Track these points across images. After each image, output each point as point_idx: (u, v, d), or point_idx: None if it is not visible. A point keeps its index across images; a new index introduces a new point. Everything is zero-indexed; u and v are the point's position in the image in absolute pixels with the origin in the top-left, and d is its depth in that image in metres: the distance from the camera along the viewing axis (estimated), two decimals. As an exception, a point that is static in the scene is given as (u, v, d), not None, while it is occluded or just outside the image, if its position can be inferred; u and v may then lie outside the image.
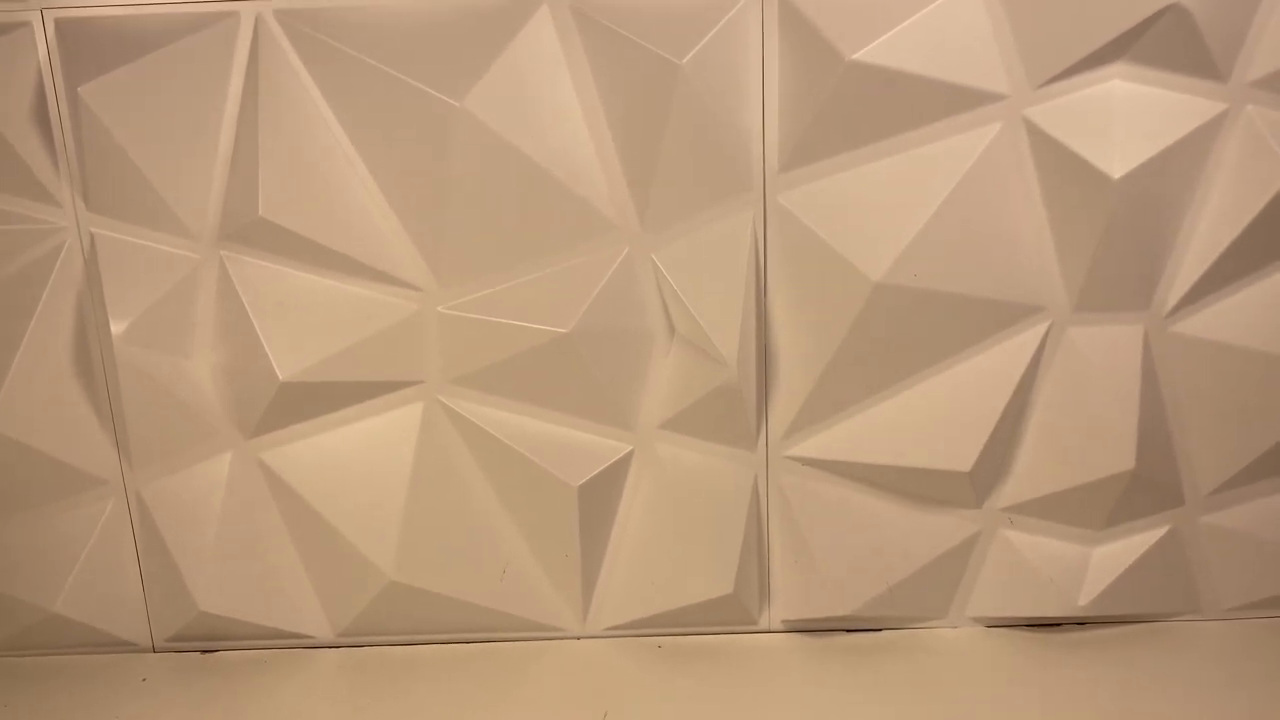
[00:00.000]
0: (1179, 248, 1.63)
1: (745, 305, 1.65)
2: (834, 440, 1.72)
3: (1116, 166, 1.56)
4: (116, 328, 1.68)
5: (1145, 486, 1.71)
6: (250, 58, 1.59)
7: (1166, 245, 1.63)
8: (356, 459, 1.74)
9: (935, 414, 1.68)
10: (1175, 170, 1.59)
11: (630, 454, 1.76)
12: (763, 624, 1.82)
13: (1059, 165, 1.58)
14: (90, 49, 1.59)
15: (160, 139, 1.62)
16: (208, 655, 1.84)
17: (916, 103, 1.57)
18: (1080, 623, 1.79)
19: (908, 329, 1.65)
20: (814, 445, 1.73)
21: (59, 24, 1.58)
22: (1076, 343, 1.66)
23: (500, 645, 1.82)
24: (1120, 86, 1.57)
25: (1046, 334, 1.66)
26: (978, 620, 1.81)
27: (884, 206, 1.60)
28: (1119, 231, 1.59)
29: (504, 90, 1.58)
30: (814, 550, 1.76)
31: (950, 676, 1.68)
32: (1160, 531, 1.74)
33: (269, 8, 1.57)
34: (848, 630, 1.81)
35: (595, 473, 1.73)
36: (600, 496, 1.75)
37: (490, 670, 1.75)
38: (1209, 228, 1.62)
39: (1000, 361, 1.66)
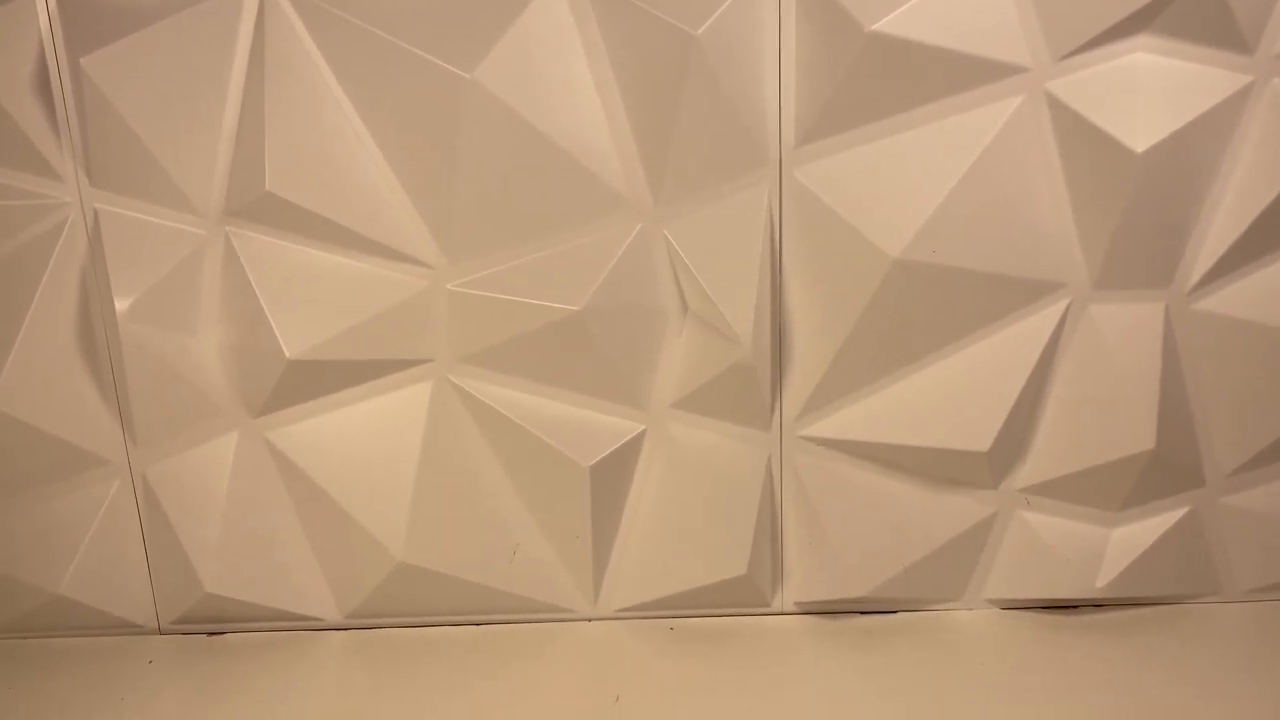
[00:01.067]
0: (1202, 223, 1.60)
1: (760, 282, 1.62)
2: (849, 420, 1.69)
3: (1140, 140, 1.53)
4: (121, 305, 1.65)
5: (1165, 467, 1.68)
6: (256, 29, 1.56)
7: (1189, 221, 1.60)
8: (365, 439, 1.72)
9: (953, 393, 1.65)
10: (1199, 144, 1.56)
11: (642, 434, 1.73)
12: (776, 606, 1.80)
13: (1081, 139, 1.55)
14: (92, 20, 1.56)
15: (164, 112, 1.59)
16: (214, 637, 1.82)
17: (936, 75, 1.54)
18: (1098, 605, 1.77)
19: (925, 306, 1.62)
20: (829, 425, 1.70)
21: (60, -6, 1.55)
22: (1097, 321, 1.63)
23: (511, 627, 1.80)
24: (1144, 59, 1.53)
25: (1066, 312, 1.63)
26: (994, 602, 1.79)
27: (902, 181, 1.58)
28: (1141, 207, 1.57)
29: (515, 62, 1.55)
30: (828, 531, 1.73)
31: (966, 659, 1.67)
32: (1180, 512, 1.72)
33: (275, -23, 1.54)
34: (862, 612, 1.79)
35: (607, 453, 1.71)
36: (612, 477, 1.73)
37: (501, 653, 1.73)
38: (1233, 203, 1.59)
39: (1019, 340, 1.64)
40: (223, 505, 1.74)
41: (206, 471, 1.74)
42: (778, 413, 1.71)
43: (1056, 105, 1.55)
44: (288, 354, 1.65)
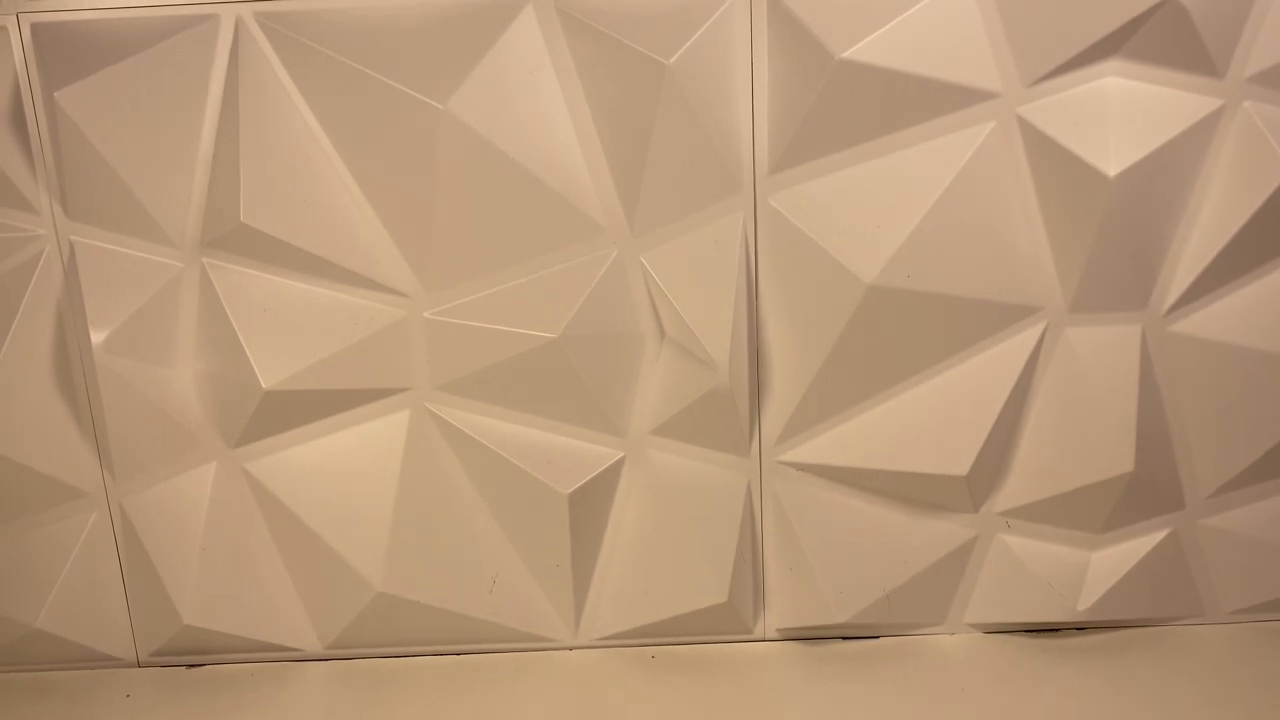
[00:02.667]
0: (1176, 246, 1.61)
1: (736, 308, 1.62)
2: (828, 445, 1.69)
3: (1112, 164, 1.53)
4: (97, 337, 1.65)
5: (1145, 489, 1.68)
6: (230, 61, 1.57)
7: (1164, 243, 1.60)
8: (343, 468, 1.71)
9: (931, 417, 1.65)
10: (1172, 168, 1.56)
11: (621, 460, 1.73)
12: (758, 633, 1.79)
13: (1054, 164, 1.55)
14: (67, 53, 1.56)
15: (140, 145, 1.59)
16: (193, 669, 1.81)
17: (908, 101, 1.54)
18: (1080, 628, 1.77)
19: (902, 331, 1.62)
20: (808, 450, 1.70)
21: (35, 28, 1.55)
22: (1073, 343, 1.63)
23: (491, 656, 1.79)
24: (1115, 83, 1.54)
25: (1043, 335, 1.63)
26: (976, 626, 1.78)
27: (876, 207, 1.58)
28: (1115, 230, 1.57)
29: (488, 92, 1.56)
30: (809, 557, 1.73)
31: (949, 684, 1.66)
32: (1160, 535, 1.72)
33: (249, 10, 1.55)
34: (844, 638, 1.78)
35: (586, 480, 1.70)
36: (591, 504, 1.72)
37: (481, 682, 1.72)
38: (1207, 225, 1.59)
39: (996, 363, 1.64)
40: (201, 537, 1.74)
41: (184, 503, 1.73)
42: (756, 438, 1.71)
43: (1029, 130, 1.55)
44: (264, 384, 1.64)
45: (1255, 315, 1.63)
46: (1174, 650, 1.72)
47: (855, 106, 1.55)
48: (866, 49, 1.51)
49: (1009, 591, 1.74)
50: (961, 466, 1.65)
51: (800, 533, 1.72)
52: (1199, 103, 1.55)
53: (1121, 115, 1.54)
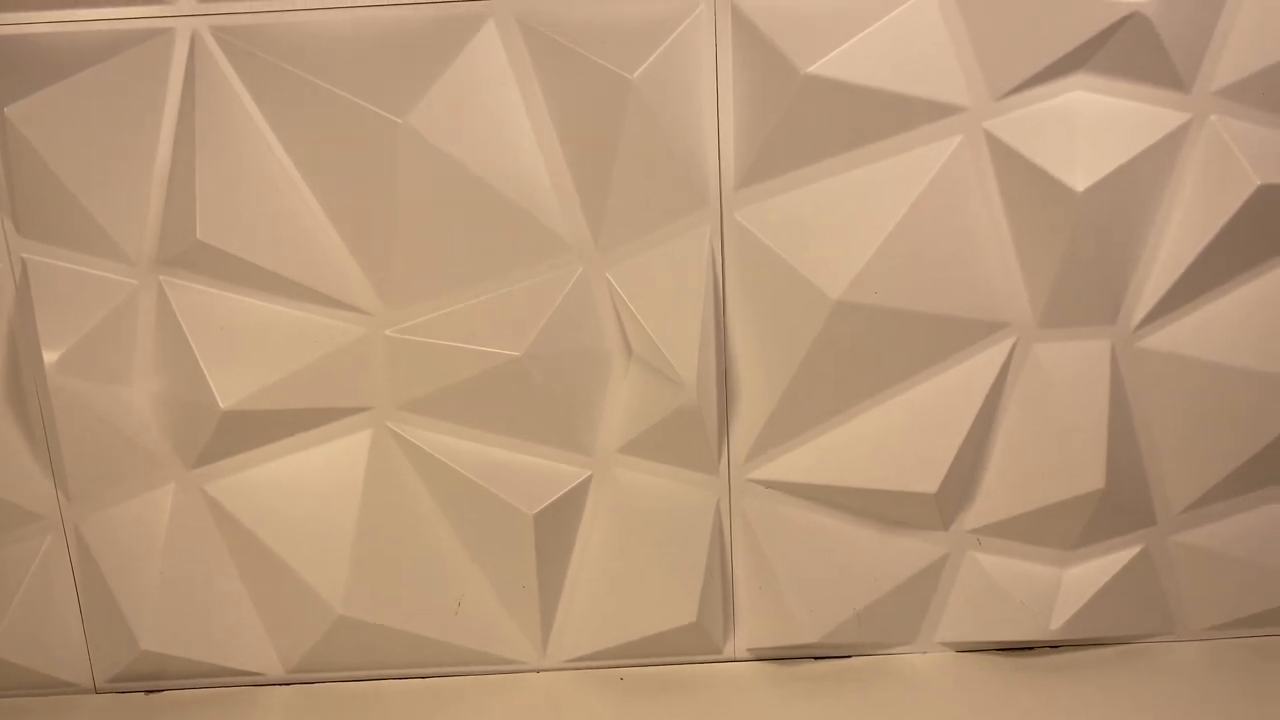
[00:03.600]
0: (1145, 261, 1.60)
1: (704, 325, 1.60)
2: (797, 462, 1.67)
3: (1080, 179, 1.52)
4: (50, 357, 1.61)
5: (1116, 506, 1.67)
6: (186, 75, 1.54)
7: (1132, 258, 1.59)
8: (304, 489, 1.68)
9: (899, 434, 1.63)
10: (1139, 182, 1.55)
11: (588, 479, 1.70)
12: (727, 653, 1.77)
13: (1021, 178, 1.54)
14: (17, 67, 1.52)
15: (93, 161, 1.56)
16: (152, 695, 1.77)
17: (874, 116, 1.53)
18: (1053, 646, 1.75)
19: (869, 347, 1.60)
20: (777, 468, 1.68)
21: (-15, 42, 1.52)
22: (1042, 360, 1.62)
23: (457, 680, 1.75)
24: (1081, 97, 1.53)
25: (1011, 351, 1.62)
26: (948, 645, 1.76)
27: (843, 222, 1.56)
28: (1083, 245, 1.56)
29: (449, 106, 1.53)
30: (779, 576, 1.71)
31: (921, 703, 1.64)
32: (1132, 552, 1.70)
33: (205, 24, 1.52)
34: (815, 658, 1.76)
35: (552, 500, 1.68)
36: (557, 524, 1.70)
37: (447, 705, 1.69)
38: (1175, 240, 1.59)
39: (964, 380, 1.62)
40: (159, 559, 1.70)
41: (142, 525, 1.69)
42: (725, 456, 1.69)
43: (996, 144, 1.54)
44: (222, 404, 1.61)
45: (1225, 330, 1.62)
46: (1147, 668, 1.71)
47: (821, 121, 1.53)
48: (832, 63, 1.50)
49: (981, 610, 1.72)
50: (931, 484, 1.64)
51: (770, 551, 1.70)
52: (1166, 116, 1.54)
53: (1089, 129, 1.53)
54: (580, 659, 1.76)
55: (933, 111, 1.53)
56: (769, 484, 1.69)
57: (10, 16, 1.51)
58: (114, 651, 1.74)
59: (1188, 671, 1.70)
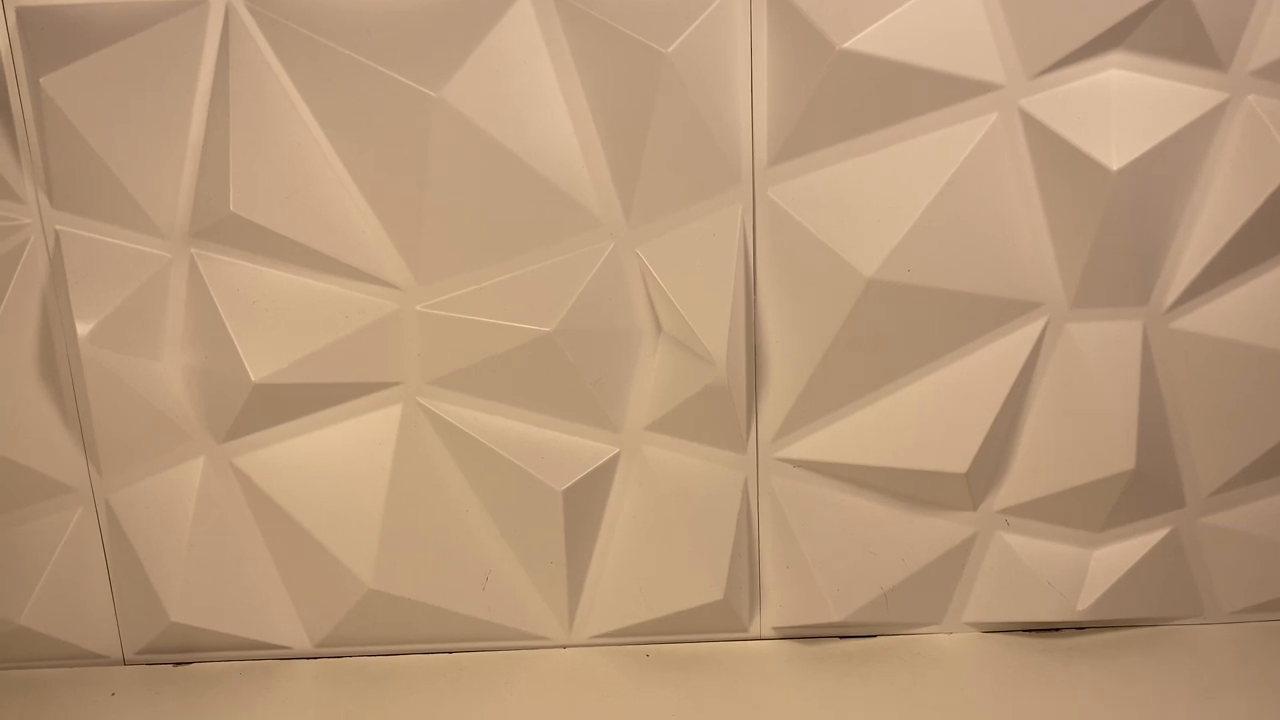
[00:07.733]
0: (1179, 241, 1.59)
1: (734, 302, 1.60)
2: (826, 441, 1.67)
3: (1114, 158, 1.51)
4: (83, 329, 1.61)
5: (1145, 487, 1.66)
6: (220, 48, 1.54)
7: (1166, 239, 1.59)
8: (333, 463, 1.68)
9: (930, 414, 1.63)
10: (1175, 162, 1.54)
11: (616, 456, 1.70)
12: (754, 631, 1.77)
13: (1056, 157, 1.54)
14: (53, 39, 1.52)
15: (127, 132, 1.56)
16: (180, 668, 1.78)
17: (909, 93, 1.52)
18: (1079, 627, 1.75)
19: (901, 326, 1.60)
20: (805, 446, 1.68)
21: (20, 12, 1.52)
22: (1074, 340, 1.61)
23: (483, 655, 1.76)
24: (1118, 76, 1.52)
25: (1044, 331, 1.61)
26: (974, 625, 1.76)
27: (876, 200, 1.56)
28: (1117, 225, 1.55)
29: (483, 81, 1.53)
30: (806, 555, 1.71)
31: (946, 683, 1.64)
32: (1161, 533, 1.70)
33: (239, -4, 1.52)
34: (841, 637, 1.76)
35: (580, 476, 1.68)
36: (586, 501, 1.70)
37: (473, 681, 1.69)
38: (1210, 220, 1.58)
39: (996, 359, 1.62)
40: (188, 532, 1.71)
41: (172, 498, 1.70)
42: (753, 434, 1.69)
43: (1031, 123, 1.53)
44: (253, 378, 1.62)
45: (1258, 312, 1.62)
46: (1174, 650, 1.70)
47: (856, 98, 1.52)
48: (868, 39, 1.49)
49: (1008, 590, 1.72)
50: (961, 464, 1.63)
51: (797, 530, 1.70)
52: (1203, 96, 1.53)
53: (1125, 108, 1.52)
54: (607, 635, 1.76)
55: (968, 89, 1.52)
56: (797, 463, 1.69)
57: (46, -13, 1.51)
58: (143, 623, 1.75)
59: (1215, 654, 1.69)
